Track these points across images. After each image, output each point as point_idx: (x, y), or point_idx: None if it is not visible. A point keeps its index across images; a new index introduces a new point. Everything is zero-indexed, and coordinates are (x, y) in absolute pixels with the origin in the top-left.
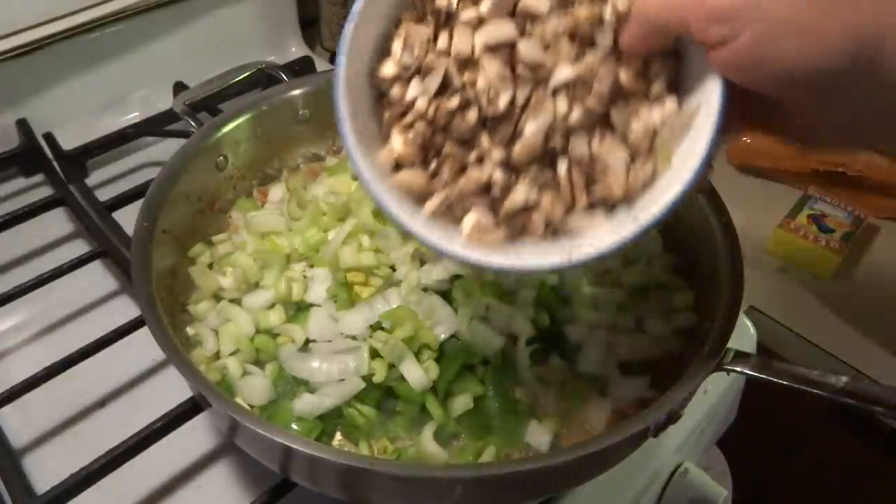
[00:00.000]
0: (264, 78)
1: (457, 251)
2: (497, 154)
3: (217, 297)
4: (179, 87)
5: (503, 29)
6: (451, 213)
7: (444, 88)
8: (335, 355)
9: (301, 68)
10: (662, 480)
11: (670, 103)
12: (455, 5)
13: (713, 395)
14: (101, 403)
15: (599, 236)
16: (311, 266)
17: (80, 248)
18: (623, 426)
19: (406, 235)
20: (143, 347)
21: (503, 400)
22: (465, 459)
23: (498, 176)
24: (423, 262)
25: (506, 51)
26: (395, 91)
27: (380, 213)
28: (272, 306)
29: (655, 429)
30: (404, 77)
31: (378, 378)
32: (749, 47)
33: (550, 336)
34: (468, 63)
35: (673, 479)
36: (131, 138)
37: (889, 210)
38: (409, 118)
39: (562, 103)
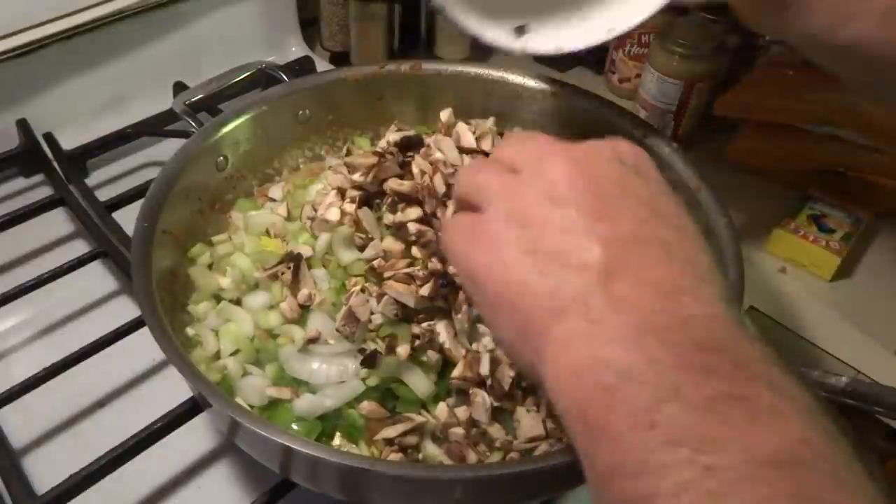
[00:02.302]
0: (264, 78)
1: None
2: None
3: (217, 298)
4: (179, 87)
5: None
6: None
7: None
8: (335, 357)
9: (301, 68)
10: None
11: None
12: None
13: None
14: (101, 403)
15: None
16: (310, 267)
17: (80, 248)
18: None
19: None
20: (143, 347)
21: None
22: None
23: None
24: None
25: None
26: None
27: None
28: (272, 307)
29: None
30: None
31: (372, 382)
32: None
33: None
34: None
35: None
36: (131, 138)
37: (889, 210)
38: None
39: None
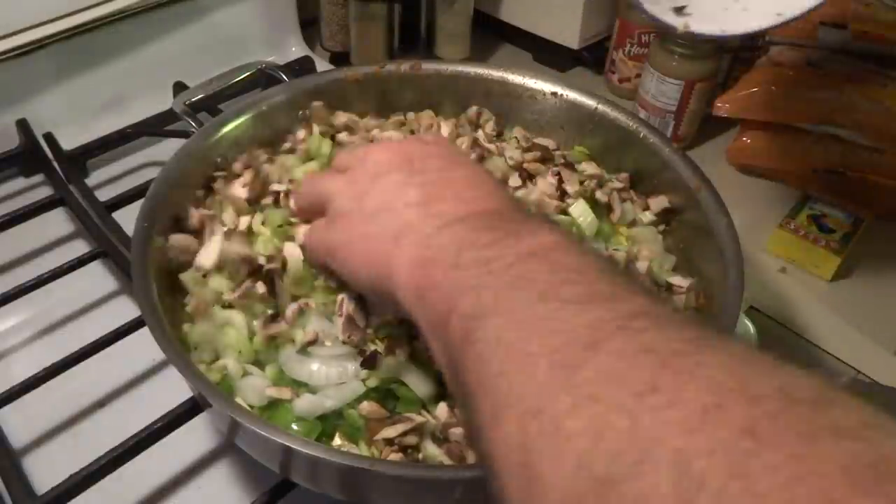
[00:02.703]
0: (264, 78)
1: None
2: None
3: None
4: (179, 87)
5: None
6: None
7: None
8: (334, 359)
9: (301, 68)
10: None
11: None
12: None
13: None
14: (101, 403)
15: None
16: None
17: (80, 248)
18: None
19: None
20: (143, 347)
21: None
22: None
23: None
24: None
25: None
26: None
27: None
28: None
29: None
30: None
31: (372, 383)
32: None
33: None
34: None
35: None
36: (131, 138)
37: (889, 210)
38: None
39: None
